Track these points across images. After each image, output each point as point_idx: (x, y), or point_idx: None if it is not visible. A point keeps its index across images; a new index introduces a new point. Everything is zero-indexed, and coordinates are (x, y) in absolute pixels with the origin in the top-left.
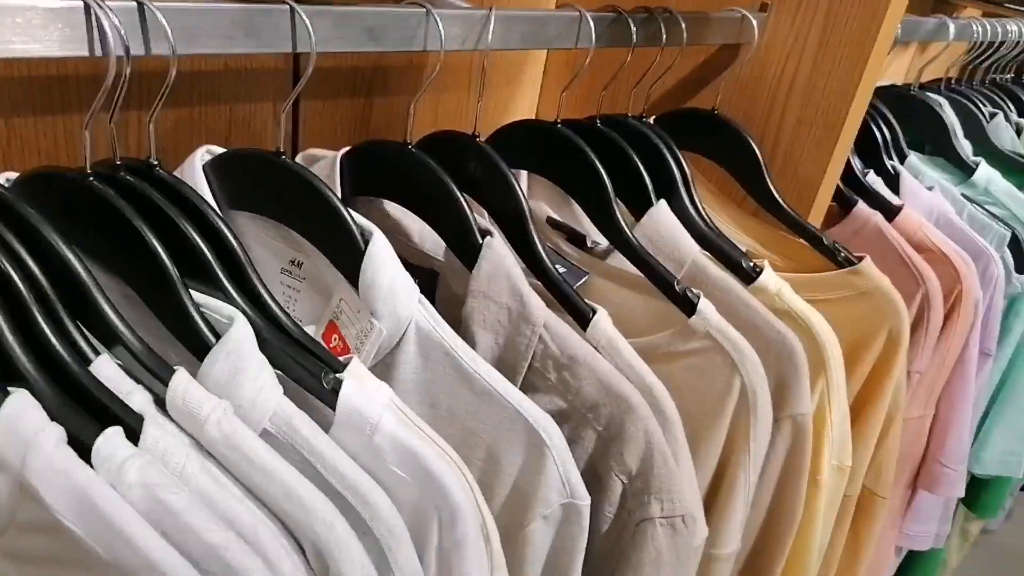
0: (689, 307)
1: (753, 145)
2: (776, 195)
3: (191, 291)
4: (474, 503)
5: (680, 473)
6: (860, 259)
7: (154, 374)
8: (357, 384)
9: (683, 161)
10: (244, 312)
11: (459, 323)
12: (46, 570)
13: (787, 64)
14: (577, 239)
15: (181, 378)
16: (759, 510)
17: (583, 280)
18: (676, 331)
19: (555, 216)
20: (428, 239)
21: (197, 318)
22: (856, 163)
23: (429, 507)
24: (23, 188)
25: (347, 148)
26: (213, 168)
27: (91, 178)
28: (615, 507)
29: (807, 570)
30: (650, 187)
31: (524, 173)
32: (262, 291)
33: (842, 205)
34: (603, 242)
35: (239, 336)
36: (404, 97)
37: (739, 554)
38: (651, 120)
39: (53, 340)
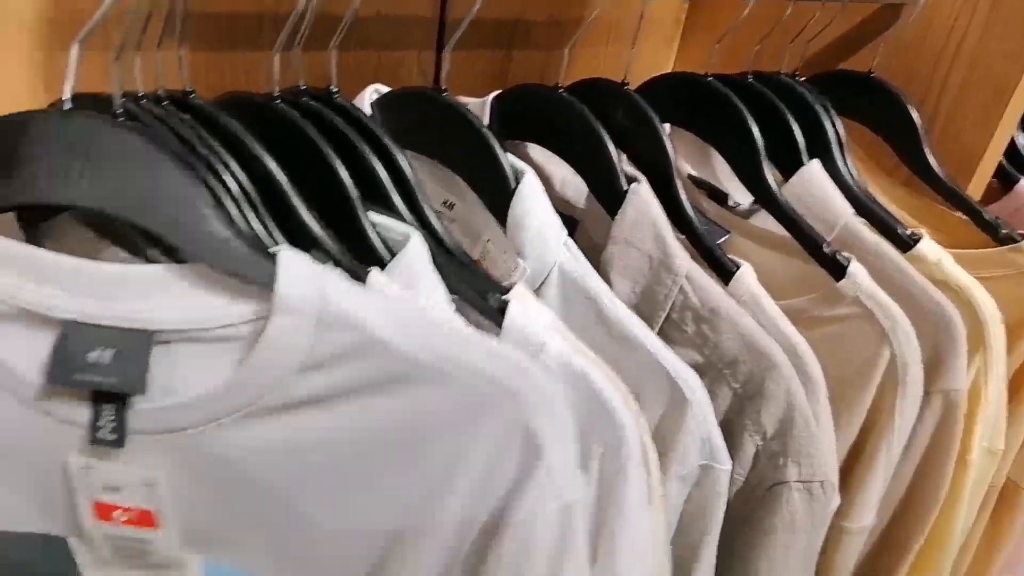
0: (838, 270)
1: (911, 110)
2: (933, 164)
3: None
4: (637, 428)
5: (821, 437)
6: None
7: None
8: (522, 306)
9: (837, 122)
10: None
11: (597, 270)
12: (337, 402)
13: (955, 25)
14: (718, 197)
15: (377, 276)
16: (899, 486)
17: (724, 238)
18: (821, 295)
19: (695, 173)
20: (570, 186)
21: (373, 235)
22: (1020, 139)
23: (593, 431)
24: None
25: (498, 92)
26: (380, 106)
27: (278, 101)
28: (746, 469)
29: (945, 553)
30: (802, 146)
31: (666, 127)
32: (431, 216)
33: (1003, 182)
34: (744, 202)
35: (414, 253)
36: (543, 52)
37: (873, 529)
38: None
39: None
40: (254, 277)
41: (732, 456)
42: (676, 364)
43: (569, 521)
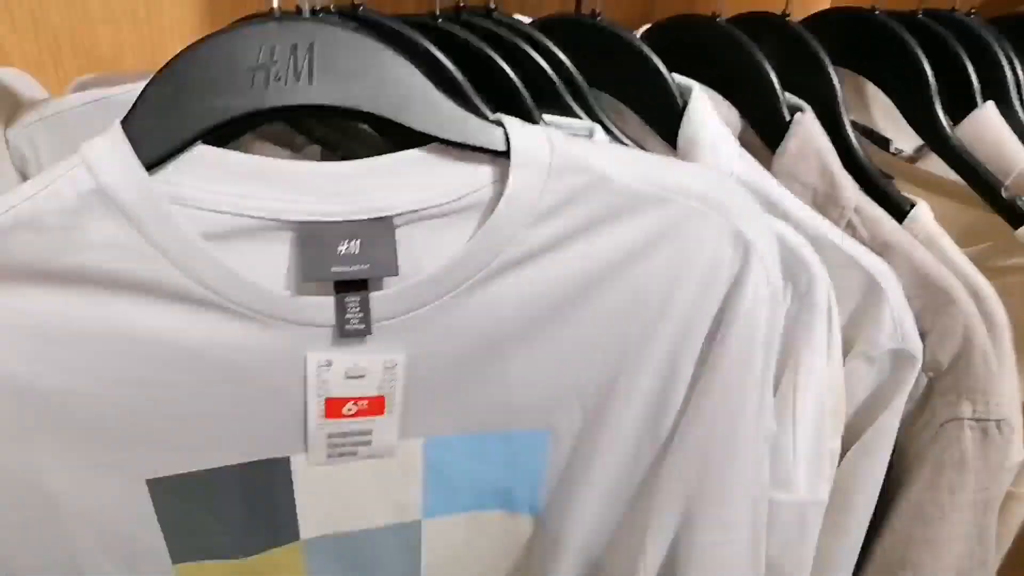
0: (1017, 218)
1: None
2: None
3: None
4: (826, 281)
5: (1002, 378)
6: None
7: None
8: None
9: (1017, 64)
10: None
11: None
12: (566, 246)
13: None
14: (879, 142)
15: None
16: None
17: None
18: (997, 244)
19: (851, 118)
20: None
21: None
22: None
23: (784, 274)
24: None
25: (648, 24)
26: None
27: (438, 19)
28: (915, 403)
29: None
30: (976, 88)
31: None
32: (601, 115)
33: None
34: (906, 149)
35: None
36: None
37: None
38: None
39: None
40: (489, 143)
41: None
42: (871, 259)
43: (777, 304)
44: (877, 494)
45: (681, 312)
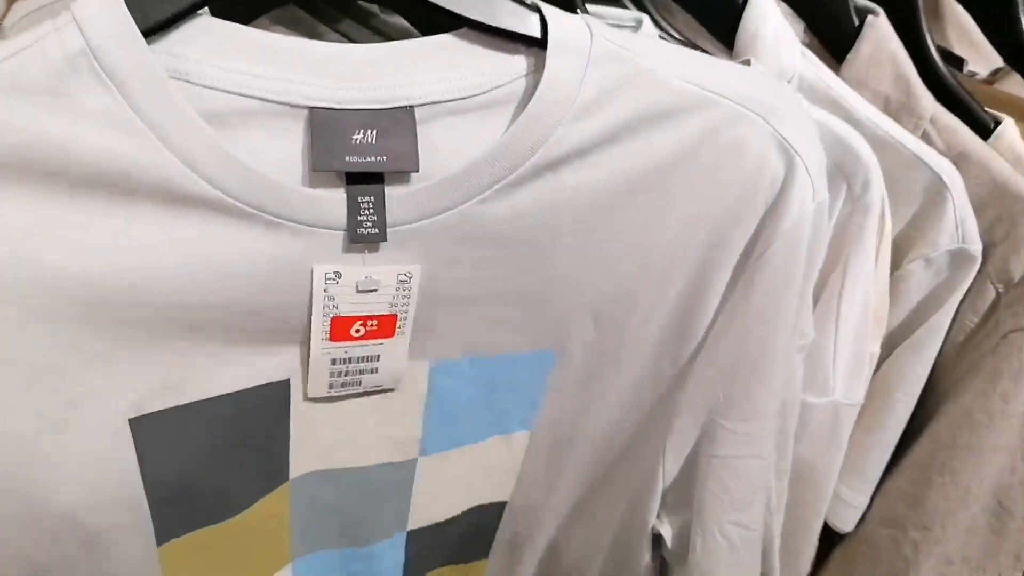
0: None
1: None
2: None
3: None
4: (881, 182)
5: None
6: None
7: None
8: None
9: None
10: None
11: None
12: (603, 149)
13: None
14: (953, 62)
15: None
16: None
17: None
18: None
19: None
20: None
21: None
22: None
23: (839, 172)
24: None
25: None
26: None
27: None
28: (980, 315)
29: None
30: None
31: None
32: (651, 8)
33: None
34: (981, 72)
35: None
36: None
37: None
38: None
39: None
40: (524, 28)
41: (966, 300)
42: (935, 158)
43: (822, 220)
44: (918, 394)
45: (718, 222)
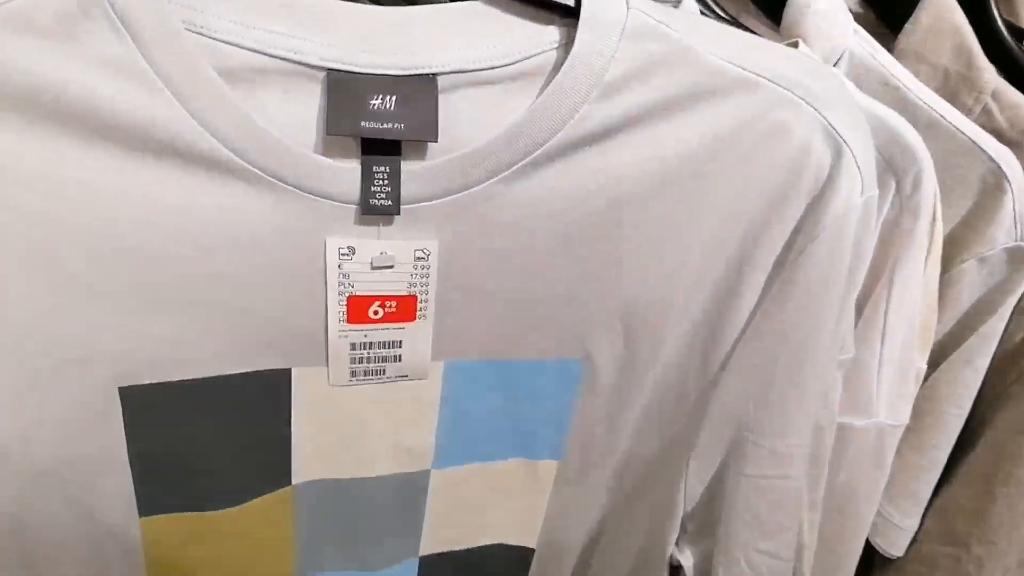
0: None
1: None
2: None
3: None
4: (933, 178)
5: None
6: None
7: None
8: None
9: None
10: None
11: None
12: (634, 130)
13: None
14: (1016, 34)
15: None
16: None
17: None
18: None
19: None
20: None
21: None
22: None
23: (889, 166)
24: None
25: None
26: None
27: None
28: None
29: None
30: None
31: None
32: None
33: None
34: None
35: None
36: None
37: None
38: None
39: None
40: None
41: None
42: (994, 145)
43: (870, 217)
44: (970, 407)
45: (757, 215)
